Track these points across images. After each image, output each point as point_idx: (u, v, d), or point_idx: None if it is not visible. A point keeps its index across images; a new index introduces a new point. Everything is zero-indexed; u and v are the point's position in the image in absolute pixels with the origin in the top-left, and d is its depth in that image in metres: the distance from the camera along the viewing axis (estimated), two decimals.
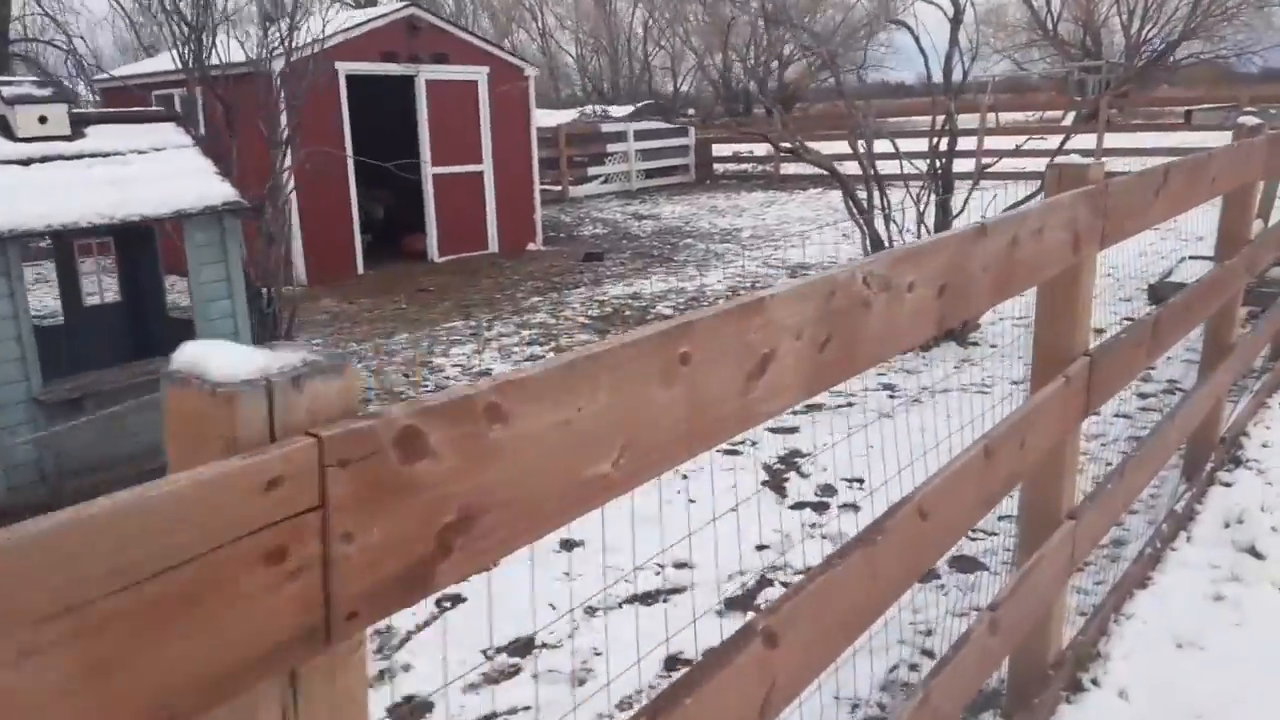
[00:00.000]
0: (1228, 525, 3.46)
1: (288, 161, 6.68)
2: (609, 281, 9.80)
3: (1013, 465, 1.94)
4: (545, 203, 18.12)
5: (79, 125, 4.75)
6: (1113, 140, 17.20)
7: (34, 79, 4.67)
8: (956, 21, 5.96)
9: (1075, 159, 2.06)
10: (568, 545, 3.85)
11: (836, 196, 8.50)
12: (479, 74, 11.33)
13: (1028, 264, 1.80)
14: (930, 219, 5.92)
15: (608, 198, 18.68)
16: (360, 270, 10.49)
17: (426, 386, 6.23)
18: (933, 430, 4.08)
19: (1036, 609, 2.32)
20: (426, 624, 3.36)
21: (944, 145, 5.98)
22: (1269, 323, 4.59)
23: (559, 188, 18.67)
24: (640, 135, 19.87)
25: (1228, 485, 3.84)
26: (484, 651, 3.14)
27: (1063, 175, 2.07)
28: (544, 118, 21.41)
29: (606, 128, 19.59)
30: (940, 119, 5.96)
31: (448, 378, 6.41)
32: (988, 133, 17.45)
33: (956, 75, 6.14)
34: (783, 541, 3.79)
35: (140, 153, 4.83)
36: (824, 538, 3.84)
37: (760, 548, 3.72)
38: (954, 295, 1.58)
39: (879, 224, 6.05)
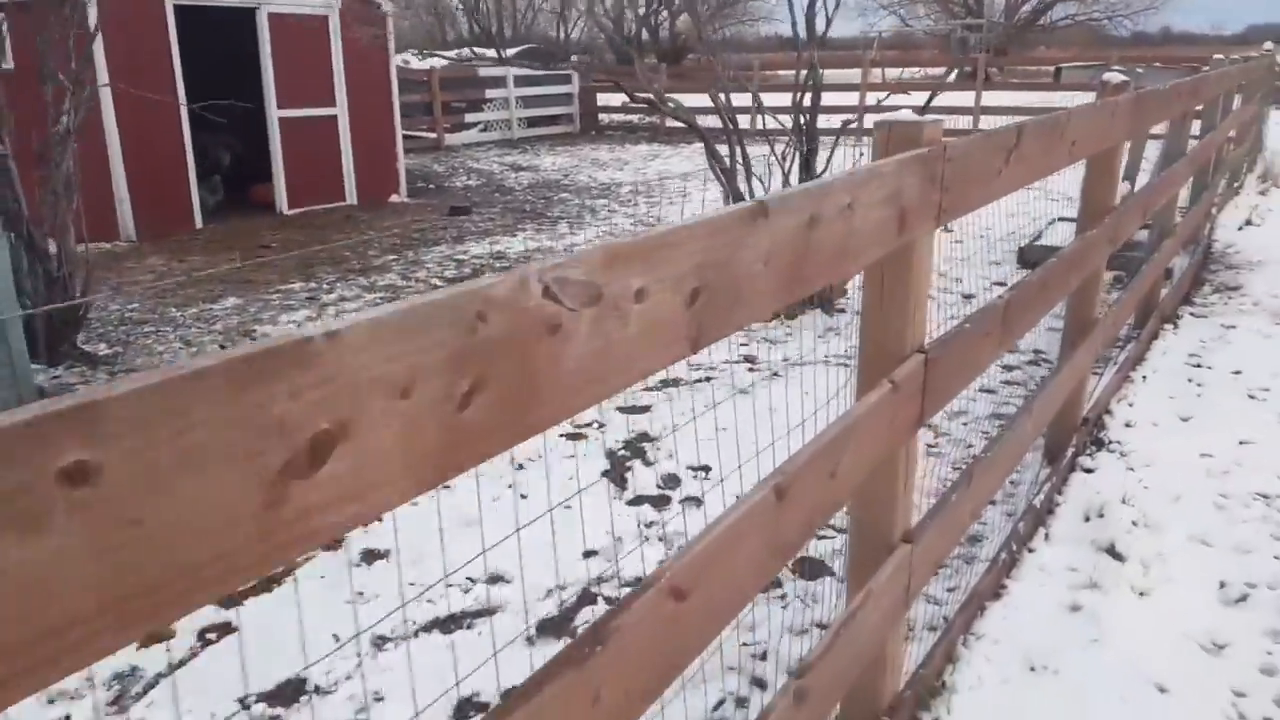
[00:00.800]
0: (1088, 519, 3.19)
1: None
2: (472, 239, 9.17)
3: (818, 499, 1.53)
4: (419, 151, 17.23)
5: None
6: (992, 99, 17.28)
7: None
8: None
9: (907, 115, 1.63)
10: (369, 557, 3.34)
11: None
12: (329, 8, 10.41)
13: (832, 250, 1.37)
14: (795, 178, 5.54)
15: (486, 147, 17.85)
16: (199, 224, 9.56)
17: None
18: (794, 409, 3.72)
19: (864, 654, 1.94)
20: (183, 663, 2.82)
21: (809, 101, 5.58)
22: (1132, 292, 4.37)
23: (434, 135, 17.75)
24: (522, 82, 19.04)
25: (1089, 471, 3.58)
26: (241, 700, 2.62)
27: (892, 135, 1.64)
28: (420, 61, 20.36)
29: (485, 72, 18.67)
30: (804, 73, 5.55)
31: None
32: (870, 88, 17.31)
33: (822, 27, 5.72)
34: (614, 546, 3.37)
35: None
36: (660, 540, 3.43)
37: (589, 554, 3.29)
38: (716, 301, 1.13)
39: (741, 182, 5.63)
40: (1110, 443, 3.83)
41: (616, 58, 37.91)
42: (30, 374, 4.51)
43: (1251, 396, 4.31)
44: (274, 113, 10.07)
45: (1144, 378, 4.56)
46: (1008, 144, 1.97)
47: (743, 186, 5.64)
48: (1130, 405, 4.20)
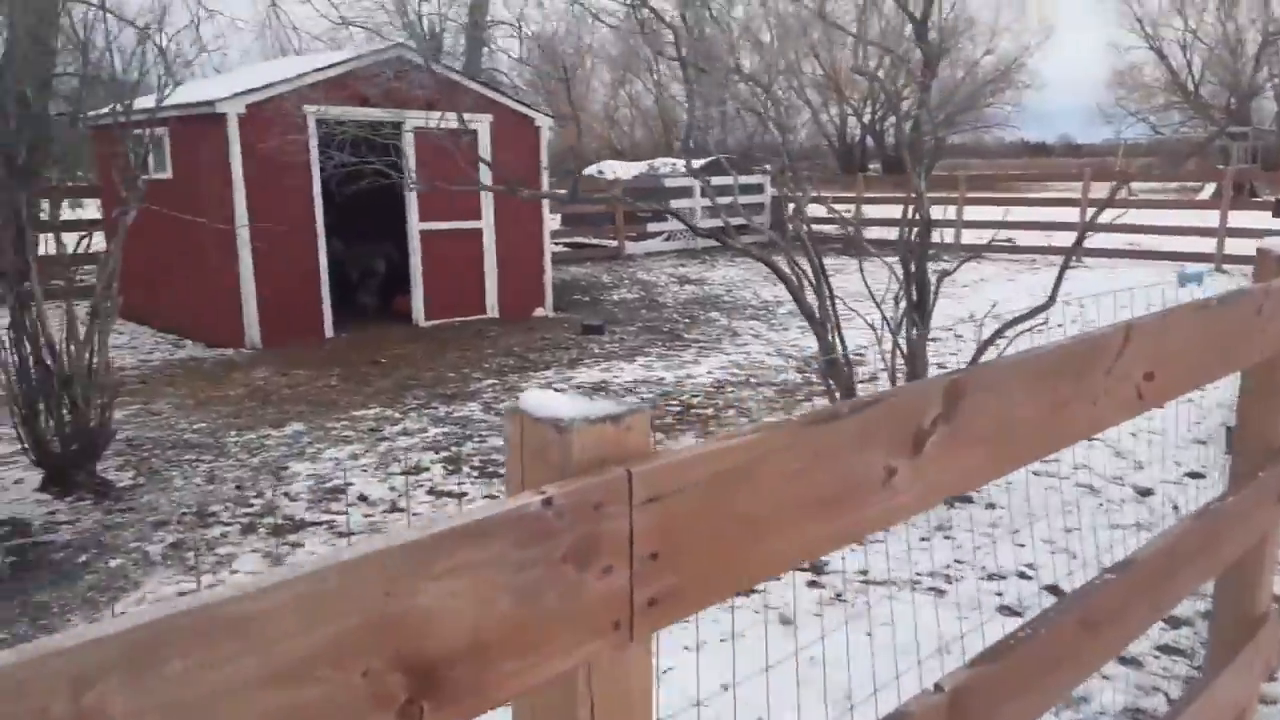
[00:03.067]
0: None
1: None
2: (588, 363, 8.45)
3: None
4: (598, 260, 17.02)
5: None
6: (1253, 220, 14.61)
7: None
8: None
9: None
10: None
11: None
12: (480, 122, 10.27)
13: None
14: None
15: (666, 256, 17.38)
16: (329, 333, 9.47)
17: (220, 522, 4.99)
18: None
19: None
20: None
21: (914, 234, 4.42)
22: None
23: (614, 243, 17.54)
24: (708, 191, 18.57)
25: None
26: None
27: None
28: (614, 169, 20.48)
29: (671, 182, 18.37)
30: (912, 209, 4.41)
31: (286, 494, 5.16)
32: (1117, 204, 15.39)
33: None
34: None
35: None
36: None
37: None
38: None
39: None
40: None
41: (839, 165, 37.11)
42: None
43: None
44: (414, 225, 9.96)
45: None
46: None
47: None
48: None
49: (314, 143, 9.01)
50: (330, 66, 9.15)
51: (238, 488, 5.23)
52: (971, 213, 15.79)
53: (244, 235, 8.75)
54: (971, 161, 38.56)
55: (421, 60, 10.11)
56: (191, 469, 5.55)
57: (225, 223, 8.70)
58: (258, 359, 8.60)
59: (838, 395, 4.94)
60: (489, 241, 10.53)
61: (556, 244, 18.08)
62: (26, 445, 4.99)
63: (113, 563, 4.27)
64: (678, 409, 6.89)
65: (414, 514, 4.89)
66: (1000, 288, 12.40)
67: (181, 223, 9.62)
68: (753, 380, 7.74)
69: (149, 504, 4.98)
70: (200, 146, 8.88)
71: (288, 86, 8.89)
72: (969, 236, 15.62)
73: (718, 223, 19.62)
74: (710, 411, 6.82)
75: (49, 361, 4.98)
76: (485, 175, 10.34)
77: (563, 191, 4.95)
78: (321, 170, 9.04)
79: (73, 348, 5.06)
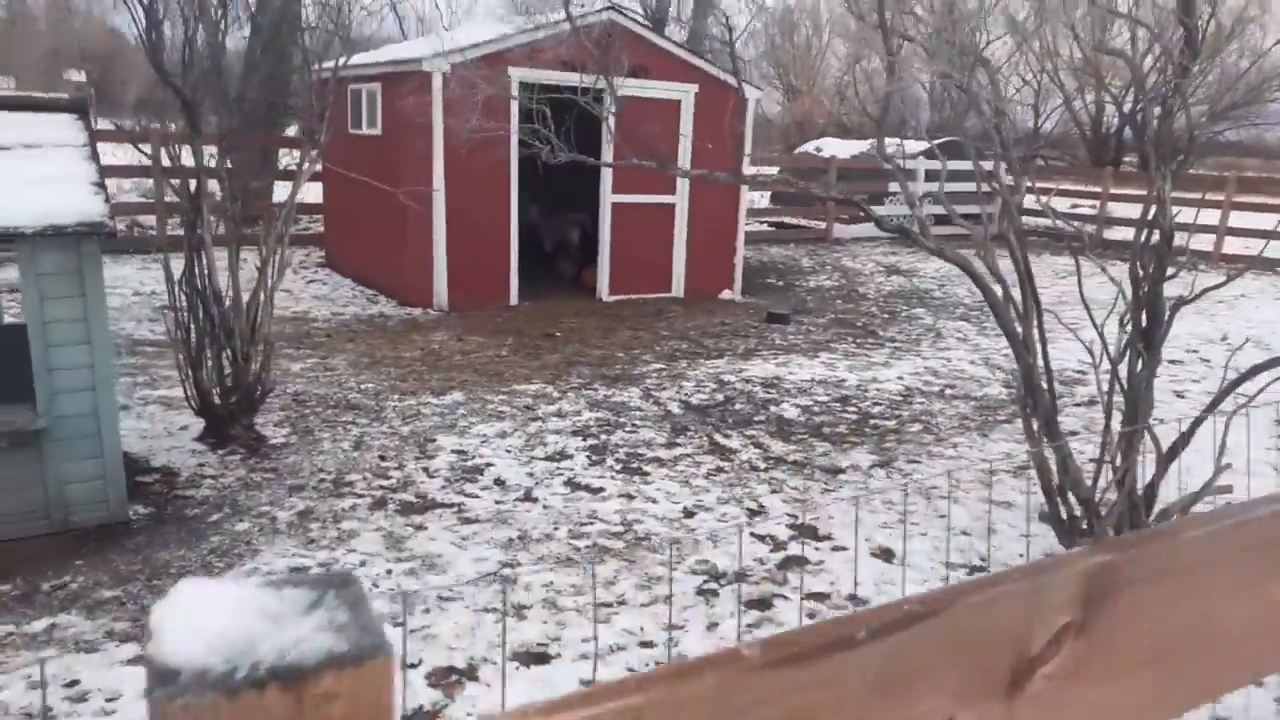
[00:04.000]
0: None
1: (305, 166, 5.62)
2: (763, 354, 7.90)
3: None
4: (801, 241, 16.28)
5: None
6: None
7: None
8: None
9: None
10: None
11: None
12: (683, 92, 9.86)
13: None
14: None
15: (877, 243, 16.37)
16: (514, 300, 9.43)
17: (365, 490, 4.88)
18: None
19: None
20: None
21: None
22: None
23: (822, 226, 16.73)
24: (933, 175, 17.31)
25: None
26: None
27: None
28: (831, 147, 19.52)
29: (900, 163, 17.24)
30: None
31: (425, 469, 5.01)
32: None
33: None
34: None
35: (4, 149, 3.93)
36: None
37: None
38: None
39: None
40: None
41: (1090, 157, 33.94)
42: (121, 470, 4.15)
43: None
44: (607, 197, 9.71)
45: None
46: None
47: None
48: None
49: (514, 106, 8.90)
50: (537, 28, 8.99)
51: (381, 458, 5.14)
52: (1238, 219, 13.76)
53: (439, 196, 8.80)
54: (1247, 161, 34.16)
55: (635, 24, 9.82)
56: (344, 431, 5.53)
57: (424, 183, 8.79)
58: (440, 321, 8.66)
59: (1034, 425, 4.18)
60: (681, 217, 10.14)
61: (760, 222, 17.51)
62: (189, 395, 5.09)
63: (239, 526, 4.24)
64: (854, 418, 6.25)
65: (545, 505, 4.60)
66: (1264, 307, 10.70)
67: (385, 178, 9.85)
68: (948, 392, 6.94)
69: (292, 466, 4.97)
70: (406, 104, 8.99)
71: (492, 48, 8.82)
72: (1233, 246, 13.65)
73: (944, 211, 18.27)
74: (892, 424, 6.14)
75: (214, 312, 5.05)
76: (685, 146, 9.95)
77: (723, 174, 4.46)
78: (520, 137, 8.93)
79: (232, 299, 5.11)
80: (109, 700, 2.97)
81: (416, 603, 3.65)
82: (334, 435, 5.46)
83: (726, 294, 10.60)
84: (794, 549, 4.26)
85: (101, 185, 3.96)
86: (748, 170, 10.92)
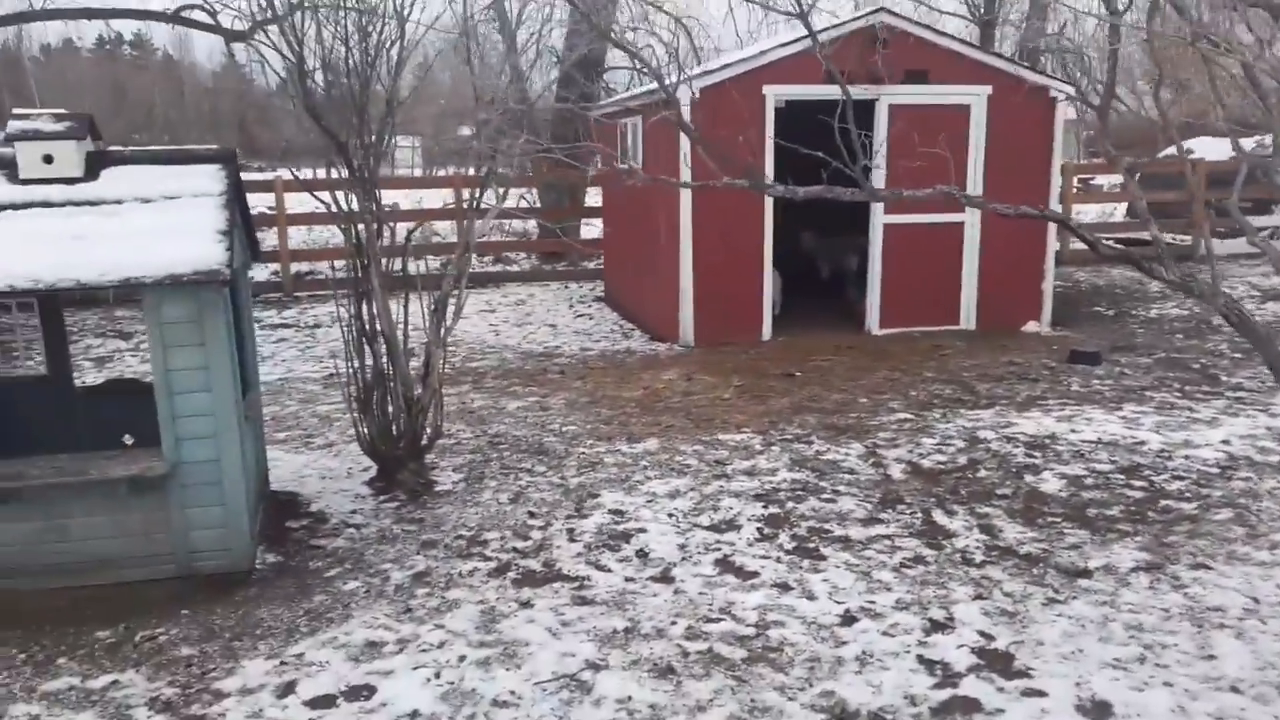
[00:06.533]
0: None
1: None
2: (1047, 404, 6.46)
3: None
4: (1155, 260, 13.66)
5: (97, 165, 4.14)
6: None
7: (53, 111, 4.18)
8: None
9: None
10: None
11: None
12: (974, 96, 8.55)
13: None
14: None
15: (1255, 261, 13.30)
16: (766, 334, 8.69)
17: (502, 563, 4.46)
18: None
19: None
20: None
21: None
22: None
23: (1186, 240, 14.00)
24: None
25: None
26: None
27: None
28: (1202, 147, 16.36)
29: None
30: None
31: (569, 530, 4.51)
32: None
33: None
34: None
35: (145, 201, 4.03)
36: None
37: None
38: None
39: None
40: None
41: None
42: (243, 517, 4.10)
43: None
44: (878, 218, 8.67)
45: None
46: None
47: None
48: None
49: (769, 126, 8.23)
50: (794, 41, 8.25)
51: (531, 514, 4.73)
52: None
53: (685, 227, 8.34)
54: None
55: (910, 23, 8.72)
56: (512, 480, 5.20)
57: (674, 213, 8.39)
58: (678, 359, 8.17)
59: None
60: (970, 238, 8.79)
61: (1108, 237, 15.03)
62: (360, 438, 5.04)
63: (349, 585, 4.01)
64: (1138, 495, 4.80)
65: (678, 590, 3.90)
66: None
67: (642, 210, 9.60)
68: None
69: (439, 518, 4.71)
70: (660, 134, 8.66)
71: (744, 68, 8.23)
72: None
73: None
74: (1190, 508, 4.63)
75: (382, 356, 4.95)
76: (976, 157, 8.66)
77: (885, 190, 3.38)
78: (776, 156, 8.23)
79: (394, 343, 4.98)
80: None
81: (465, 704, 3.13)
82: (500, 484, 5.15)
83: (1032, 326, 9.03)
84: (968, 687, 3.17)
85: (227, 234, 3.94)
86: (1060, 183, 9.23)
